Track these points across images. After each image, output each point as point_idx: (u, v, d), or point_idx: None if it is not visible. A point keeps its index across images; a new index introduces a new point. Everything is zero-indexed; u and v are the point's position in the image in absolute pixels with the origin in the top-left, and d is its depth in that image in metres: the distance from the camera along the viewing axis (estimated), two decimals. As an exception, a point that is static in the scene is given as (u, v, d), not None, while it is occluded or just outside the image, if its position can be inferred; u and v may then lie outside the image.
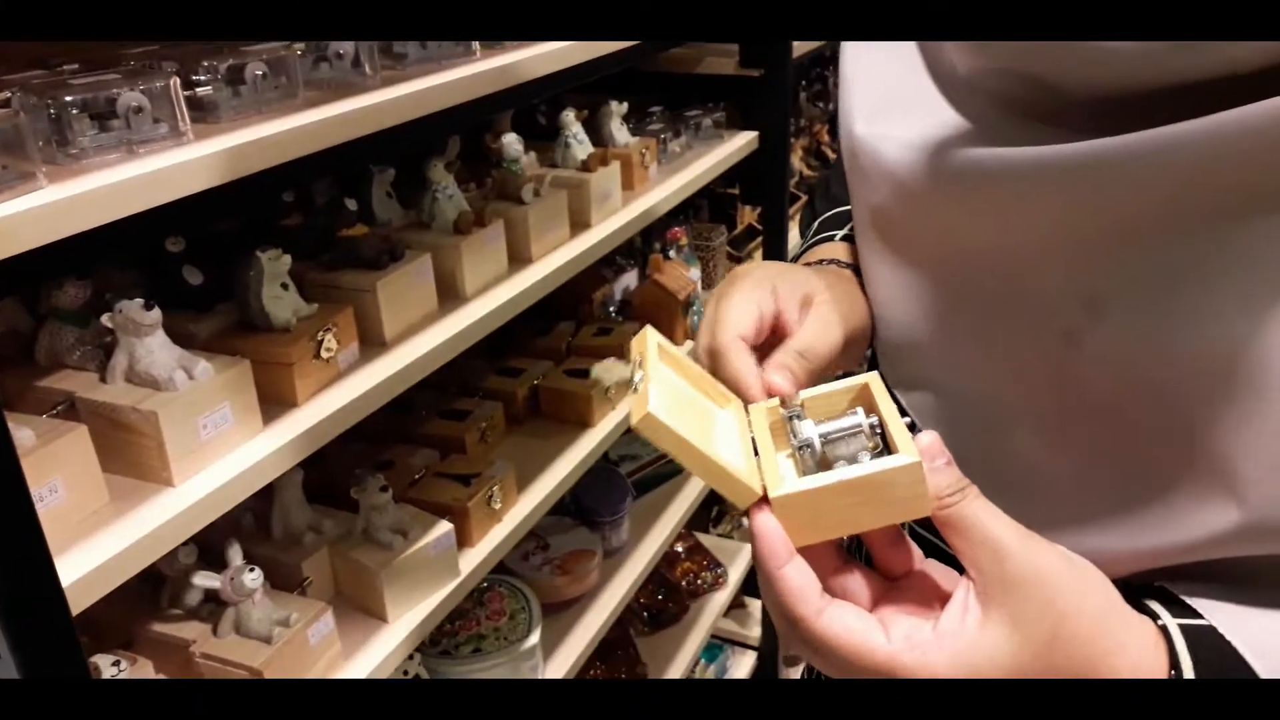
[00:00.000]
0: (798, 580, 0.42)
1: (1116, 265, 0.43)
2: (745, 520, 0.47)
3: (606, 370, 0.56)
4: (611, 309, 1.75)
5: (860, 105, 0.58)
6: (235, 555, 0.94)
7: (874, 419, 0.46)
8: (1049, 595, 0.41)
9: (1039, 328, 0.47)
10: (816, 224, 0.74)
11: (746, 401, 0.52)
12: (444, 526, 1.12)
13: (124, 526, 0.73)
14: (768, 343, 0.55)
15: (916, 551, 0.46)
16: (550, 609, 1.53)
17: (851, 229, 0.66)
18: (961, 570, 0.43)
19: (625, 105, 1.51)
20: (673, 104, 1.75)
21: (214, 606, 0.96)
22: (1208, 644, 0.41)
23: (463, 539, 1.17)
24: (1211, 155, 0.39)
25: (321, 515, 1.11)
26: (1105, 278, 0.43)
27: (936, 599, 0.44)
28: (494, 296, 1.14)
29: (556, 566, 1.58)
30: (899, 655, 0.41)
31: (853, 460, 0.44)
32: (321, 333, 0.92)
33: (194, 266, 0.94)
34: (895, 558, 0.46)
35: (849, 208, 0.65)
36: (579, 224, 1.34)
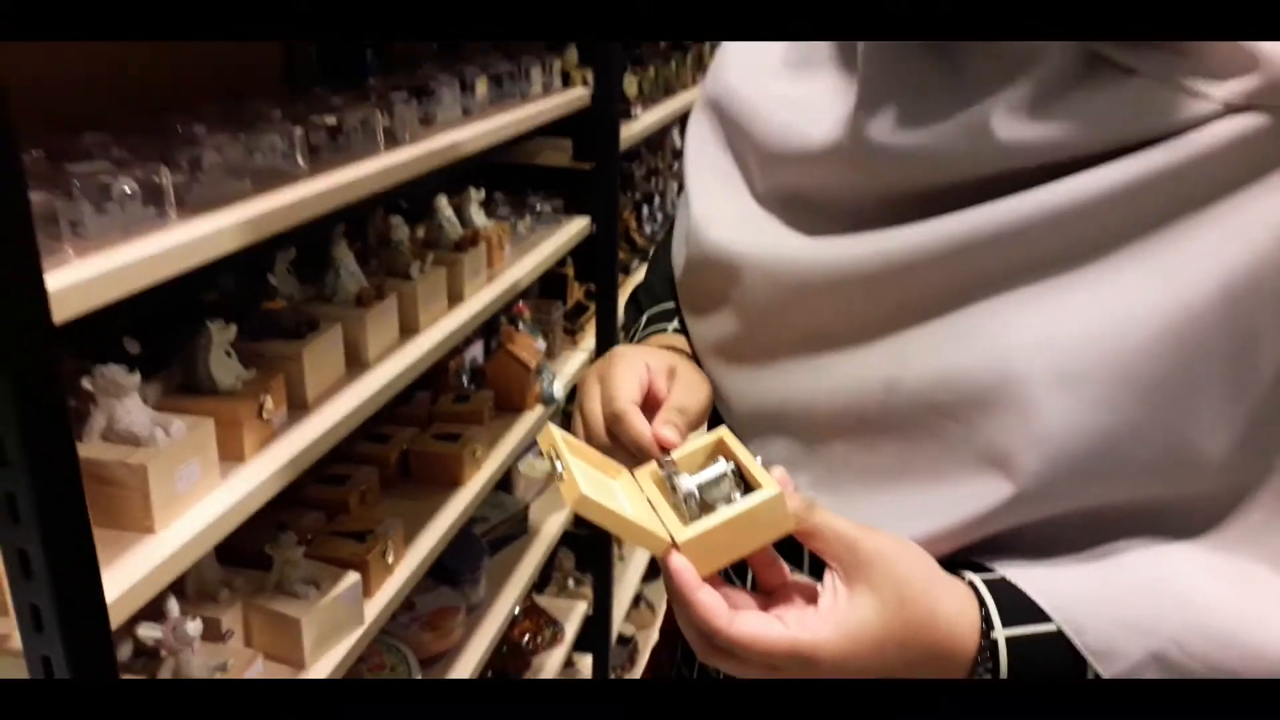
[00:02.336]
0: (710, 601, 0.52)
1: (916, 324, 0.58)
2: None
3: (530, 466, 0.70)
4: (465, 378, 1.87)
5: (707, 215, 0.69)
6: (173, 608, 0.99)
7: (733, 464, 0.57)
8: (891, 567, 0.52)
9: (864, 380, 0.60)
10: (645, 317, 0.83)
11: (644, 454, 0.62)
12: (352, 577, 1.20)
13: (117, 572, 0.80)
14: (645, 408, 0.66)
15: (786, 566, 0.57)
16: (421, 664, 1.61)
17: (680, 321, 0.78)
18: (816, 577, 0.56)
19: (483, 192, 1.67)
20: (514, 190, 1.92)
21: (146, 660, 1.01)
22: (1003, 589, 0.56)
23: (363, 590, 1.25)
24: (974, 241, 0.54)
25: (232, 573, 1.17)
26: (909, 340, 0.58)
27: (807, 596, 0.55)
28: (393, 363, 1.26)
29: (424, 623, 1.66)
30: (797, 636, 0.51)
31: (727, 500, 0.55)
32: (262, 395, 1.01)
33: (131, 337, 1.00)
34: (772, 574, 0.57)
35: (671, 304, 0.79)
36: (455, 297, 1.47)
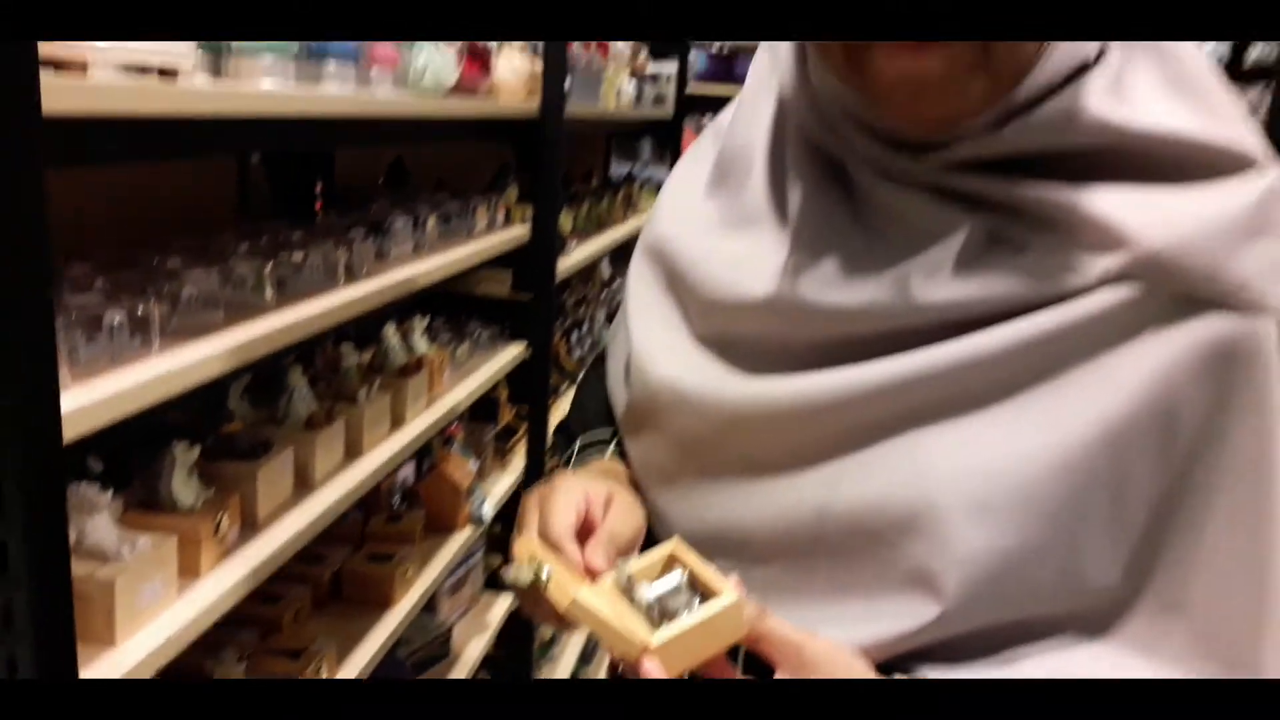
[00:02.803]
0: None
1: (845, 455, 0.66)
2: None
3: (518, 572, 0.65)
4: (396, 498, 1.91)
5: (650, 354, 0.76)
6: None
7: (687, 573, 0.61)
8: (835, 666, 0.58)
9: (797, 506, 0.66)
10: (579, 443, 0.87)
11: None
12: (289, 694, 1.22)
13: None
14: (582, 532, 0.68)
15: (736, 670, 0.63)
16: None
17: (615, 448, 0.84)
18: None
19: (427, 319, 1.75)
20: (455, 316, 2.01)
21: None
22: None
23: (298, 708, 1.27)
24: (894, 386, 0.61)
25: (167, 690, 1.18)
26: (839, 469, 0.66)
27: None
28: (338, 484, 1.31)
29: (347, 744, 1.65)
30: None
31: (687, 608, 0.59)
32: (219, 513, 1.06)
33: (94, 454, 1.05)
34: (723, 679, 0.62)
35: (604, 431, 0.86)
36: (397, 421, 1.54)
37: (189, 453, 1.04)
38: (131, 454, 1.08)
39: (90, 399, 0.79)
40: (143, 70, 0.87)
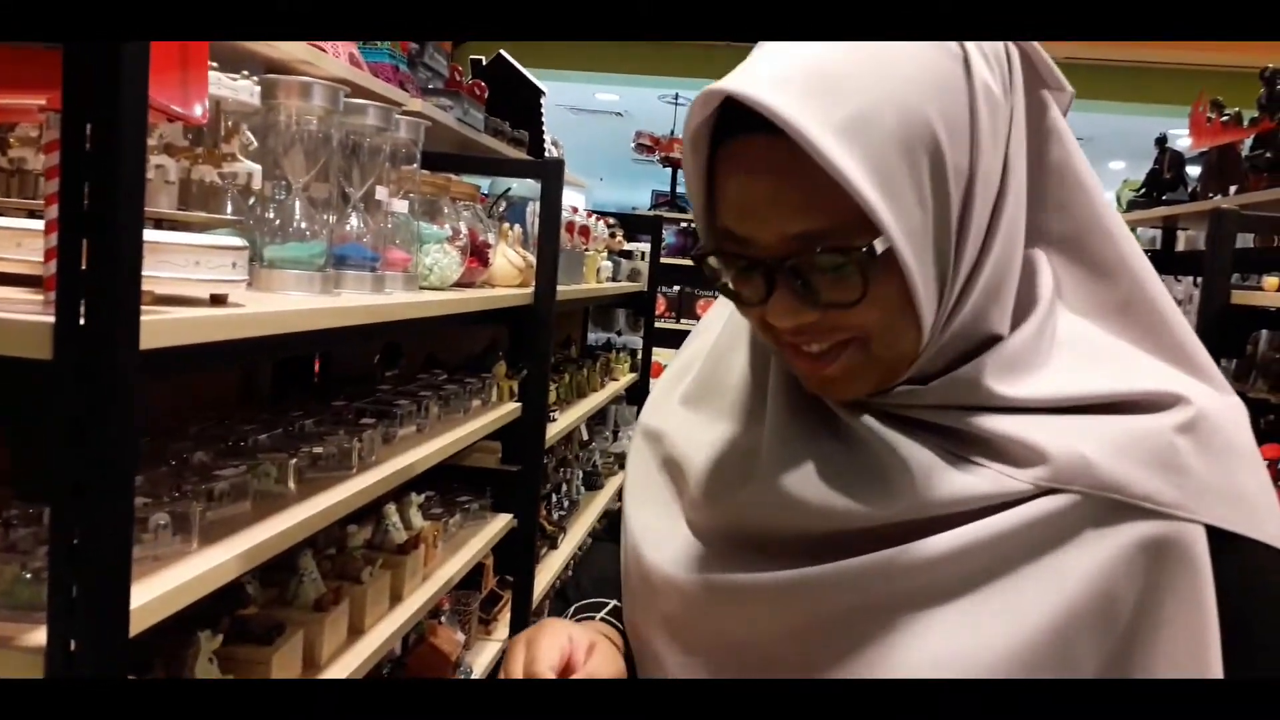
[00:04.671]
0: None
1: (819, 643, 0.73)
2: None
3: None
4: (385, 671, 1.94)
5: (643, 537, 0.82)
6: None
7: None
8: None
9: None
10: (574, 607, 0.92)
11: None
12: None
13: None
14: (564, 672, 0.74)
15: None
16: None
17: (607, 614, 0.91)
18: None
19: (423, 496, 1.83)
20: (444, 488, 2.09)
21: None
22: None
23: None
24: (861, 580, 0.68)
25: None
26: (820, 652, 0.73)
27: None
28: (342, 664, 1.36)
29: None
30: None
31: None
32: (237, 701, 1.10)
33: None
34: None
35: (597, 600, 0.92)
36: (395, 598, 1.59)
37: (212, 641, 1.10)
38: (150, 640, 1.13)
39: (142, 600, 0.86)
40: (195, 293, 0.98)
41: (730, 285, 0.72)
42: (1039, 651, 0.67)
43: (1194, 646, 0.68)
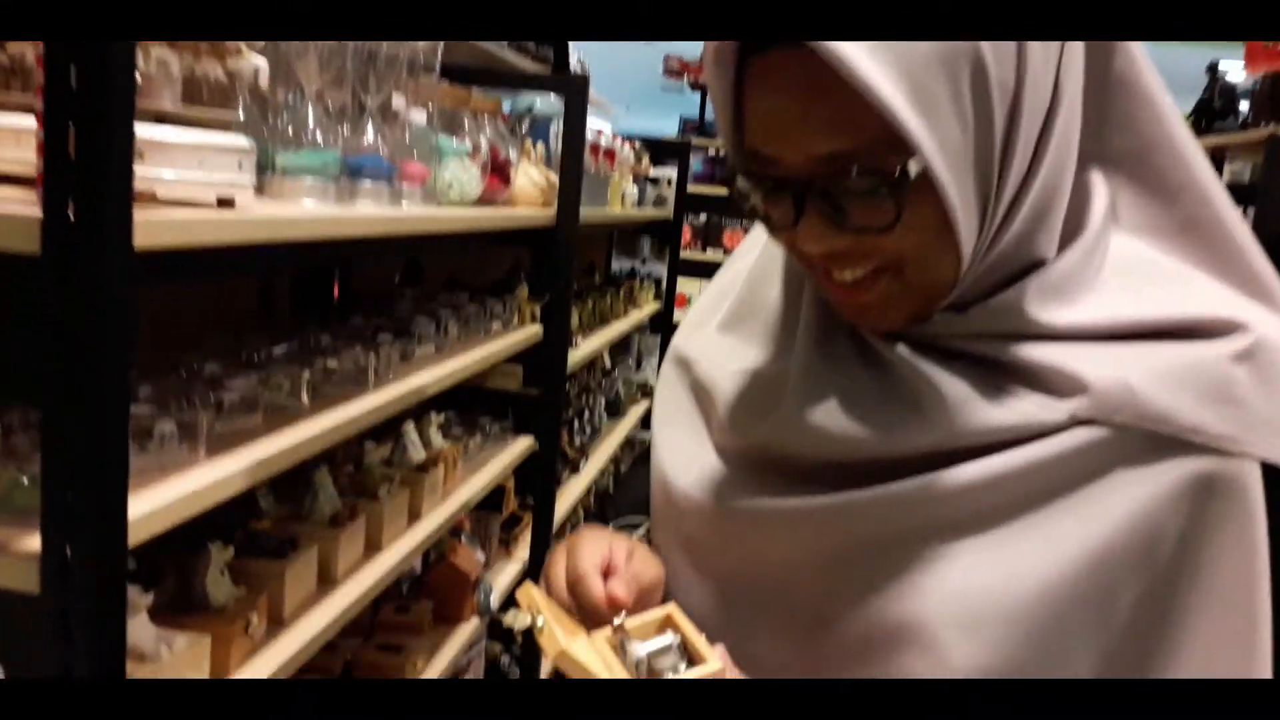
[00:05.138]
0: None
1: (844, 572, 0.71)
2: None
3: (515, 618, 0.69)
4: (404, 587, 1.95)
5: (669, 459, 0.82)
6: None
7: (679, 637, 0.65)
8: None
9: (795, 612, 0.74)
10: (612, 525, 0.95)
11: (599, 614, 0.68)
12: (304, 790, 1.25)
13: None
14: (606, 574, 0.72)
15: None
16: None
17: (646, 534, 0.90)
18: None
19: (443, 416, 1.81)
20: (466, 410, 2.07)
21: None
22: None
23: (311, 803, 1.29)
24: (885, 509, 0.67)
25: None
26: (841, 580, 0.71)
27: None
28: (359, 581, 1.36)
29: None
30: None
31: (673, 670, 0.63)
32: (250, 612, 1.10)
33: (130, 553, 1.10)
34: None
35: (635, 518, 0.92)
36: (414, 515, 1.58)
37: (224, 552, 1.09)
38: (162, 551, 1.12)
39: (146, 509, 0.84)
40: (203, 195, 0.95)
41: (759, 208, 0.68)
42: (1072, 588, 0.64)
43: (1241, 591, 0.65)
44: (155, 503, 0.87)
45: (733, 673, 0.62)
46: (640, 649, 0.63)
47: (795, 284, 0.78)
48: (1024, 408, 0.66)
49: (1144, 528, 0.64)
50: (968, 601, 0.65)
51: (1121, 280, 0.68)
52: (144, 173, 0.85)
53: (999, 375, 0.68)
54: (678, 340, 0.89)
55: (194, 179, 0.93)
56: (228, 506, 1.28)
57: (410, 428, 1.65)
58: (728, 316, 0.84)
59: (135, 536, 0.82)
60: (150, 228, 0.77)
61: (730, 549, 0.75)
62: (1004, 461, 0.66)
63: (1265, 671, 0.66)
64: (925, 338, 0.69)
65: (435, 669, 1.70)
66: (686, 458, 0.80)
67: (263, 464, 1.03)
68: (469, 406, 2.09)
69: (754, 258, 0.85)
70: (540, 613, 0.66)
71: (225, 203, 0.99)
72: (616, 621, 0.66)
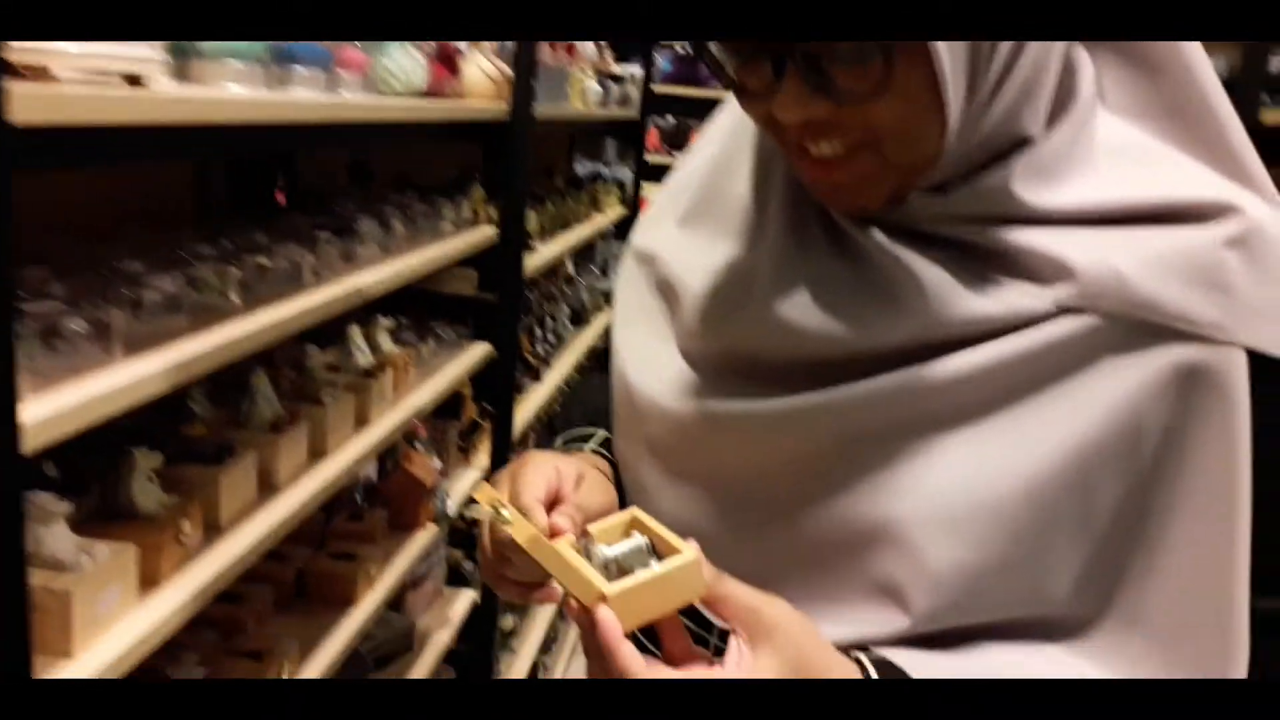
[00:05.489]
0: (629, 653, 0.57)
1: (816, 474, 0.69)
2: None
3: (478, 510, 0.70)
4: (358, 495, 1.91)
5: (633, 363, 0.78)
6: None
7: (646, 540, 0.62)
8: (791, 632, 0.58)
9: (765, 516, 0.71)
10: (561, 437, 0.94)
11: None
12: (249, 698, 1.22)
13: (38, 695, 0.83)
14: (551, 505, 0.69)
15: (689, 637, 0.62)
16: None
17: (597, 445, 0.87)
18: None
19: (391, 320, 1.75)
20: (419, 315, 2.01)
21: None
22: (885, 667, 0.63)
23: (258, 711, 1.27)
24: (861, 406, 0.66)
25: (126, 694, 1.18)
26: (815, 481, 0.68)
27: (707, 662, 0.61)
28: (303, 487, 1.31)
29: (307, 743, 1.65)
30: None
31: (643, 566, 0.60)
32: (181, 519, 1.05)
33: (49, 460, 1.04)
34: (677, 643, 0.61)
35: (586, 429, 0.89)
36: (362, 421, 1.54)
37: (150, 459, 1.04)
38: (89, 459, 1.07)
39: (50, 410, 0.79)
40: (106, 76, 0.86)
41: (734, 76, 0.64)
42: (1055, 482, 0.62)
43: (1223, 486, 0.62)
44: (62, 404, 0.81)
45: (707, 566, 0.59)
46: (607, 551, 0.61)
47: (764, 173, 0.73)
48: (1007, 296, 0.63)
49: (1129, 419, 0.62)
50: (947, 499, 0.63)
51: (1110, 161, 0.65)
52: (36, 45, 0.77)
53: (980, 262, 0.64)
54: (637, 236, 0.84)
55: (95, 51, 0.84)
56: (158, 412, 1.22)
57: (356, 332, 1.59)
58: (689, 210, 0.79)
59: (38, 440, 0.77)
60: (33, 101, 0.70)
61: (699, 453, 0.72)
62: (986, 354, 0.63)
63: (1243, 568, 0.64)
64: (903, 222, 0.66)
65: (390, 576, 1.68)
66: (650, 361, 0.77)
67: (186, 365, 0.97)
68: (424, 312, 2.03)
69: (715, 150, 0.80)
70: (503, 506, 0.64)
71: (134, 81, 0.91)
72: (577, 530, 0.64)
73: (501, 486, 0.71)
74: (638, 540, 0.62)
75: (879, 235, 0.66)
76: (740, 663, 0.58)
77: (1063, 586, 0.64)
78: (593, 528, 0.63)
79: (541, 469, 0.70)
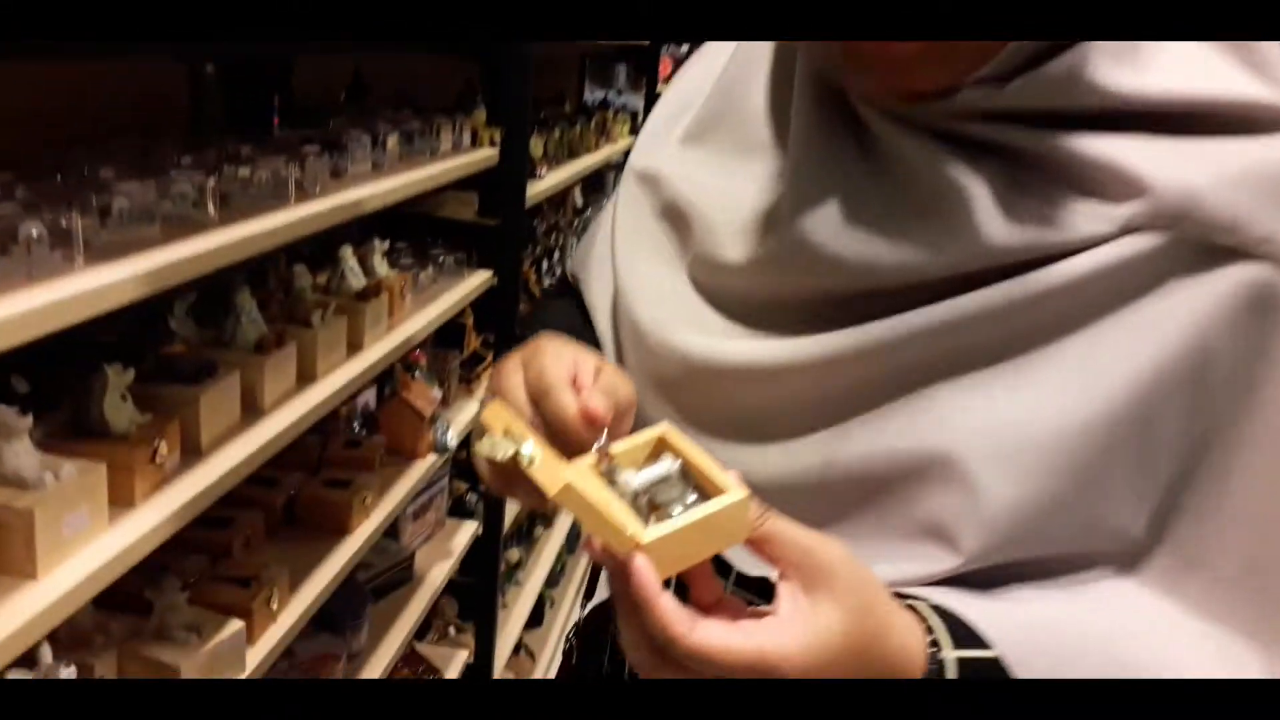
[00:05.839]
0: (671, 605, 0.48)
1: (855, 412, 0.61)
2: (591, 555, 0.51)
3: (494, 447, 0.55)
4: (356, 423, 1.87)
5: (638, 296, 0.71)
6: (46, 654, 0.97)
7: (679, 462, 0.53)
8: (851, 575, 0.51)
9: (799, 459, 0.63)
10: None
11: (569, 435, 0.55)
12: (235, 624, 1.19)
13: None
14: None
15: (720, 581, 0.54)
16: (297, 713, 1.59)
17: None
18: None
19: (387, 243, 1.69)
20: (418, 240, 1.95)
21: (15, 707, 0.98)
22: (945, 615, 0.56)
23: (246, 637, 1.24)
24: (908, 341, 0.58)
25: (106, 618, 1.15)
26: (848, 424, 0.62)
27: (740, 612, 0.52)
28: (289, 410, 1.27)
29: (303, 670, 1.64)
30: (763, 647, 0.49)
31: (682, 502, 0.51)
32: (156, 439, 1.01)
33: (19, 375, 1.00)
34: (708, 588, 0.53)
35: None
36: (354, 346, 1.49)
37: (122, 375, 0.99)
38: (64, 377, 1.03)
39: (2, 315, 0.74)
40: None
41: None
42: (1112, 417, 0.57)
43: None
44: (14, 310, 0.76)
45: (754, 502, 0.51)
46: (636, 479, 0.52)
47: (784, 77, 0.66)
48: (1067, 217, 0.56)
49: (1196, 347, 0.56)
50: (1000, 435, 0.58)
51: (1201, 49, 0.57)
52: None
53: (1038, 173, 0.57)
54: (638, 157, 0.76)
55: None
56: (137, 331, 1.18)
57: (348, 252, 1.53)
58: (694, 127, 0.72)
59: (-14, 348, 0.72)
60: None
61: (719, 395, 0.66)
62: (1043, 278, 0.57)
63: None
64: (951, 126, 0.58)
65: (385, 506, 1.64)
66: (659, 294, 0.70)
67: (155, 275, 0.92)
68: (422, 238, 1.97)
69: (719, 61, 0.73)
70: (525, 438, 0.54)
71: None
72: (599, 446, 0.54)
73: (511, 371, 0.61)
74: (669, 464, 0.53)
75: (924, 144, 0.58)
76: (797, 612, 0.51)
77: (1121, 522, 0.59)
78: (616, 447, 0.55)
79: (561, 355, 0.60)
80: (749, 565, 0.64)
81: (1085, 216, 0.56)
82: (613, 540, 0.49)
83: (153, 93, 1.48)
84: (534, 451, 0.53)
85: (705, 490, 0.52)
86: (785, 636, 0.50)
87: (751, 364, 0.64)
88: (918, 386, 0.60)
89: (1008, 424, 0.58)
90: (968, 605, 0.58)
